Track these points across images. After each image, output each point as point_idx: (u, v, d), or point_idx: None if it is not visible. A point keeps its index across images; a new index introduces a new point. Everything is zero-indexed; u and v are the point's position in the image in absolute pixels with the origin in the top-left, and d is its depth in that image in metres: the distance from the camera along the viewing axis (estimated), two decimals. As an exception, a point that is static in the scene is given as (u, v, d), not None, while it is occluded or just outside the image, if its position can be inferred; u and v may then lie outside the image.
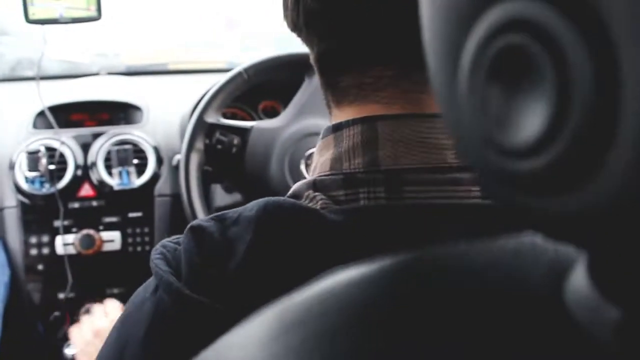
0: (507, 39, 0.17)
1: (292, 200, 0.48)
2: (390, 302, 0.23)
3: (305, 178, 1.32)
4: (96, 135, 1.40)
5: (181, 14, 1.96)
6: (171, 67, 1.78)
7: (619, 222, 0.16)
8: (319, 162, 0.51)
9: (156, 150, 1.40)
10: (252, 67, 1.19)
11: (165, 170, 1.41)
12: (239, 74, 1.18)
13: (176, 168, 1.34)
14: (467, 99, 0.19)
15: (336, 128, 0.49)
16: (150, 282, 0.48)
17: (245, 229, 0.45)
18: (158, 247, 0.49)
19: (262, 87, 1.28)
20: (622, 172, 0.15)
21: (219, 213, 0.48)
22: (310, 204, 0.47)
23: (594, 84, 0.15)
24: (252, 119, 1.51)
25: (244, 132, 1.20)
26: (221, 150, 1.19)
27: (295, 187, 0.51)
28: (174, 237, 0.50)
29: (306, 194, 0.48)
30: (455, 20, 0.19)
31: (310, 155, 1.20)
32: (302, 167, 1.22)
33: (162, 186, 1.40)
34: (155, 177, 1.39)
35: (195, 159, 1.15)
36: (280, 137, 1.19)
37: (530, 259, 0.24)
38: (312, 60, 0.52)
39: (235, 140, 1.19)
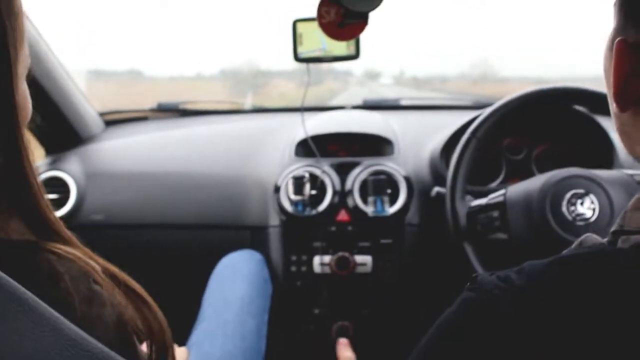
0: None
1: None
2: None
3: (567, 219, 1.27)
4: (352, 165, 1.52)
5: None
6: (406, 102, 1.86)
7: None
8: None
9: (408, 181, 1.48)
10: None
11: (414, 201, 1.48)
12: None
13: (433, 199, 1.40)
14: None
15: None
16: None
17: None
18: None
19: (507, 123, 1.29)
20: None
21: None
22: None
23: None
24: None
25: (499, 205, 1.24)
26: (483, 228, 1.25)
27: None
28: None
29: None
30: None
31: (573, 195, 1.19)
32: (564, 208, 1.21)
33: (412, 216, 1.47)
34: (406, 207, 1.46)
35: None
36: (537, 185, 1.21)
37: None
38: None
39: (495, 214, 1.24)
